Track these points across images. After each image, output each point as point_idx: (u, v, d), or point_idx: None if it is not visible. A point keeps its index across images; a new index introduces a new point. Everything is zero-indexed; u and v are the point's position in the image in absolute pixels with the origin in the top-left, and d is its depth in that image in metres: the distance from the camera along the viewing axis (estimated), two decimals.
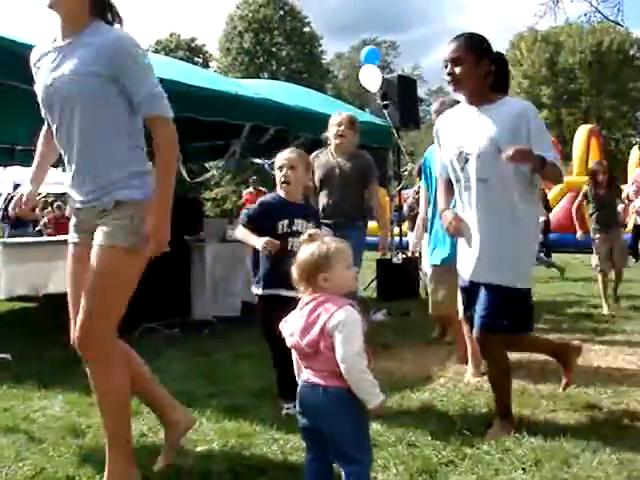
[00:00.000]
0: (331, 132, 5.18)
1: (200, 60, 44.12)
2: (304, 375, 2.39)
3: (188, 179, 8.13)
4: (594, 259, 7.37)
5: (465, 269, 3.44)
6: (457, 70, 3.23)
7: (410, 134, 23.77)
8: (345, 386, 2.25)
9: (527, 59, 42.02)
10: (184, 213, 6.46)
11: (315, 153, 5.26)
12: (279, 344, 3.84)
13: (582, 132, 17.69)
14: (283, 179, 3.88)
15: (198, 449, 3.19)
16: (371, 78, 9.23)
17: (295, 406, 3.50)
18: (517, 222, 3.24)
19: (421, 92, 46.68)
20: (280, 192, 3.94)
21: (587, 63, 39.67)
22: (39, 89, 2.70)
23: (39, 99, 2.72)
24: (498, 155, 3.09)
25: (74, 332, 2.68)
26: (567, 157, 20.57)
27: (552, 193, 16.32)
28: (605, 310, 7.08)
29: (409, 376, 4.46)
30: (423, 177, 5.06)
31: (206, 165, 11.63)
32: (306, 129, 6.98)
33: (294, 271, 2.40)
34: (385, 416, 3.16)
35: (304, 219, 3.87)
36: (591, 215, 7.41)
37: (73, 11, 2.60)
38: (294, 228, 3.83)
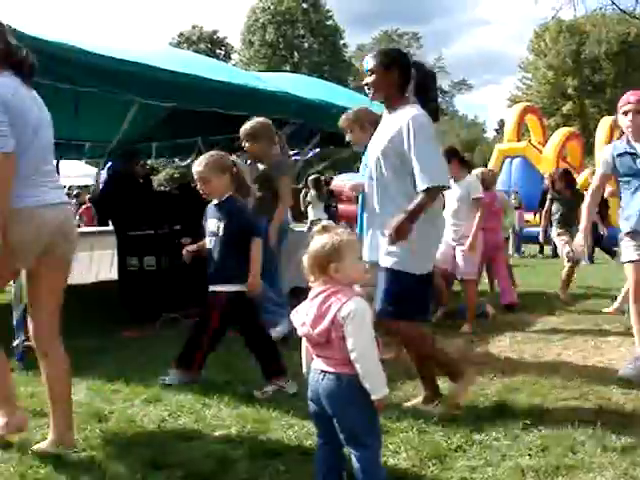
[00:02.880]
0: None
1: (222, 52, 44.24)
2: (316, 363, 2.46)
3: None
4: (565, 250, 7.74)
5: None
6: (369, 80, 3.61)
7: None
8: (356, 373, 2.33)
9: (552, 50, 41.53)
10: (201, 206, 6.59)
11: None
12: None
13: (605, 124, 16.94)
14: (201, 192, 4.17)
15: (216, 434, 3.30)
16: None
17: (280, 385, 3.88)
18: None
19: (444, 84, 46.38)
20: None
21: (613, 54, 39.07)
22: None
23: None
24: (392, 155, 3.50)
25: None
26: (591, 149, 20.32)
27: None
28: (561, 296, 7.52)
29: None
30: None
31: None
32: (326, 123, 7.05)
33: (305, 261, 2.45)
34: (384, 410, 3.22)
35: (215, 219, 4.15)
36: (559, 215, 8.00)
37: None
38: (208, 229, 4.21)
